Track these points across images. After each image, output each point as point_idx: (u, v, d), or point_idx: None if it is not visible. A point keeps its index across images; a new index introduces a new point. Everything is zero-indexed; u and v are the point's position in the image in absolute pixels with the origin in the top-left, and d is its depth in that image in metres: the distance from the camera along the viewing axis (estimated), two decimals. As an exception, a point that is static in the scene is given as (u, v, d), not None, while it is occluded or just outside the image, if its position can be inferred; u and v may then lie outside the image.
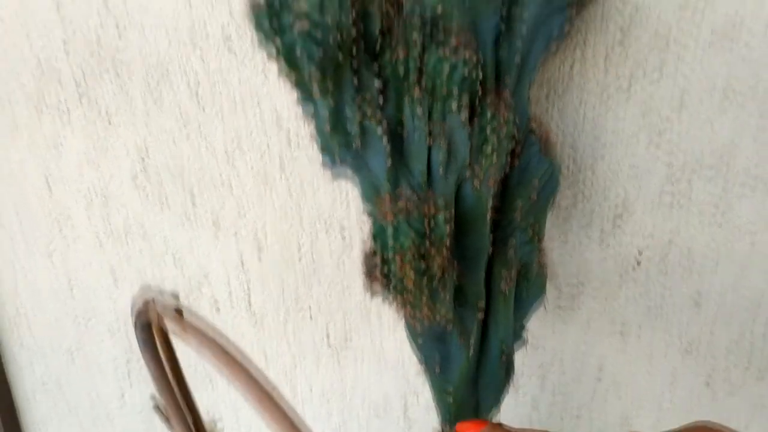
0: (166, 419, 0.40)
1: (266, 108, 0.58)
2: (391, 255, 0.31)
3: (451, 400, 0.39)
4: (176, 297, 0.33)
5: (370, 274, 0.33)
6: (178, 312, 0.32)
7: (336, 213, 0.59)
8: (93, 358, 0.76)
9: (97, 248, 0.69)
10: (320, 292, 0.63)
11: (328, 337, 0.64)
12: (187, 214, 0.64)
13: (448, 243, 0.33)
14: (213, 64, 0.58)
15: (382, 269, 0.32)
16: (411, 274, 0.31)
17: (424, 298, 0.33)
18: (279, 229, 0.61)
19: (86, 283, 0.71)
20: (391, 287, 0.32)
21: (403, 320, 0.38)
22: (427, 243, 0.32)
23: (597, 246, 0.53)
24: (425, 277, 0.31)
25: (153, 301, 0.33)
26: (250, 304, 0.66)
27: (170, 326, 0.28)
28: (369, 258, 0.33)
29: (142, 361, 0.71)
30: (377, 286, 0.33)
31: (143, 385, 0.75)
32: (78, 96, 0.63)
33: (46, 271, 0.73)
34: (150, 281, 0.68)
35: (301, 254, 0.62)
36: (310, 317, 0.64)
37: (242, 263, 0.64)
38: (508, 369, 0.40)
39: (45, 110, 0.65)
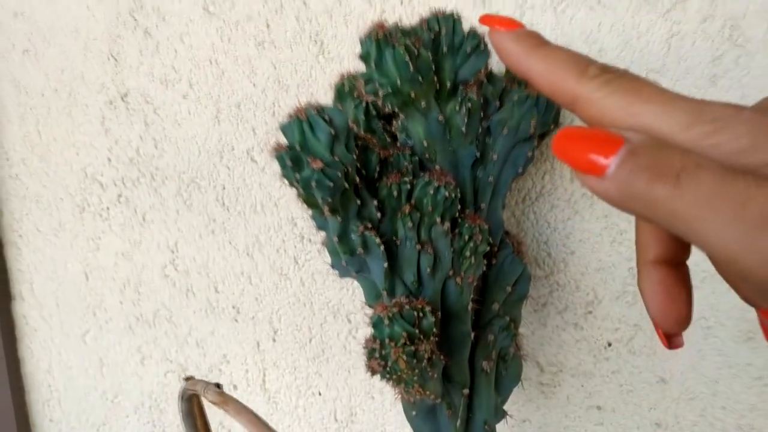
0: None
1: (282, 209, 0.66)
2: (387, 341, 0.39)
3: None
4: (218, 385, 0.40)
5: (370, 357, 0.40)
6: (219, 387, 0.40)
7: (343, 300, 0.66)
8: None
9: (127, 330, 0.76)
10: (328, 371, 0.69)
11: (335, 413, 0.71)
12: (209, 301, 0.72)
13: (435, 331, 0.41)
14: (237, 171, 0.67)
15: (380, 353, 0.39)
16: (403, 357, 0.38)
17: (416, 378, 0.40)
18: (292, 314, 0.69)
19: (115, 362, 0.79)
20: (387, 369, 0.40)
21: (399, 397, 0.45)
22: (417, 331, 0.39)
23: (572, 329, 0.60)
24: (415, 360, 0.39)
25: (197, 381, 0.40)
26: (264, 383, 0.73)
27: (212, 398, 0.35)
28: (369, 343, 0.40)
29: (165, 436, 0.77)
30: (376, 368, 0.40)
31: (164, 459, 0.81)
32: (116, 197, 0.72)
33: (79, 351, 0.80)
34: (174, 361, 0.75)
35: (311, 335, 0.69)
36: (319, 394, 0.71)
37: (258, 345, 0.71)
38: (491, 440, 0.47)
39: (87, 209, 0.74)
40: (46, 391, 0.84)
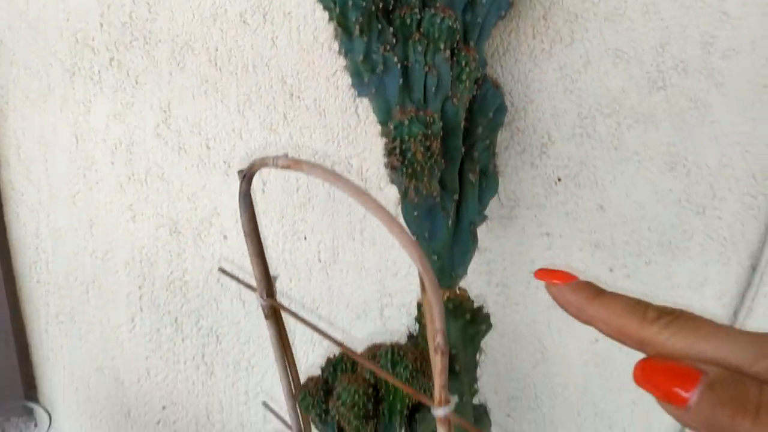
0: (235, 277, 0.55)
1: (273, 69, 0.73)
2: (406, 138, 0.48)
3: (436, 259, 0.56)
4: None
5: (389, 155, 0.50)
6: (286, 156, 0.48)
7: (329, 150, 0.75)
8: (107, 289, 0.89)
9: (118, 189, 0.82)
10: (314, 217, 0.78)
11: (319, 254, 0.80)
12: (201, 157, 0.79)
13: (440, 137, 0.51)
14: (230, 34, 0.73)
15: (399, 149, 0.48)
16: (420, 149, 0.48)
17: (426, 171, 0.50)
18: (281, 166, 0.77)
19: (105, 221, 0.85)
20: (405, 162, 0.49)
21: (405, 199, 0.55)
22: (429, 132, 0.49)
23: (529, 168, 0.71)
24: (429, 153, 0.48)
25: (263, 158, 0.48)
26: (253, 232, 0.81)
27: (283, 163, 0.43)
28: (389, 144, 0.49)
29: (153, 289, 0.85)
30: (395, 163, 0.50)
31: (153, 311, 0.89)
32: (108, 60, 0.77)
33: (68, 212, 0.85)
34: (165, 216, 0.82)
35: (298, 185, 0.77)
36: (305, 238, 0.80)
37: (248, 197, 0.79)
38: (474, 239, 0.58)
39: (77, 74, 0.78)
40: (33, 254, 0.89)
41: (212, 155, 0.78)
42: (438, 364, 0.44)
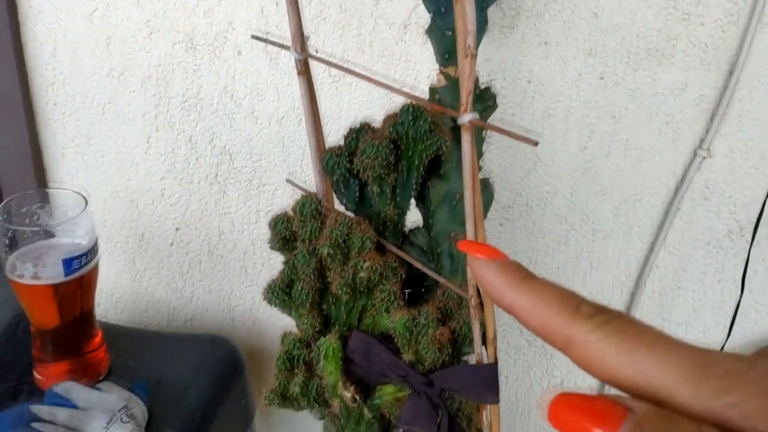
0: (268, 40, 0.60)
1: None
2: None
3: (450, 34, 0.62)
4: None
5: None
6: None
7: (342, -40, 0.79)
8: (123, 109, 0.93)
9: (136, 5, 0.86)
10: (325, 30, 0.83)
11: (329, 70, 0.85)
12: (217, -29, 0.82)
13: None
14: None
15: None
16: None
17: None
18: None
19: (122, 39, 0.88)
20: None
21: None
22: None
23: (531, -23, 0.77)
24: None
25: None
26: (266, 46, 0.85)
27: None
28: None
29: (169, 108, 0.89)
30: None
31: (168, 131, 0.93)
32: None
33: (86, 30, 0.88)
34: (182, 32, 0.86)
35: (312, -3, 0.82)
36: (316, 51, 0.84)
37: (261, 10, 0.83)
38: (485, 20, 0.63)
39: None
40: (50, 75, 0.93)
41: (228, -32, 0.82)
42: (467, 68, 0.51)
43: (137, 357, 0.84)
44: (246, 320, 1.06)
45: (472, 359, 0.61)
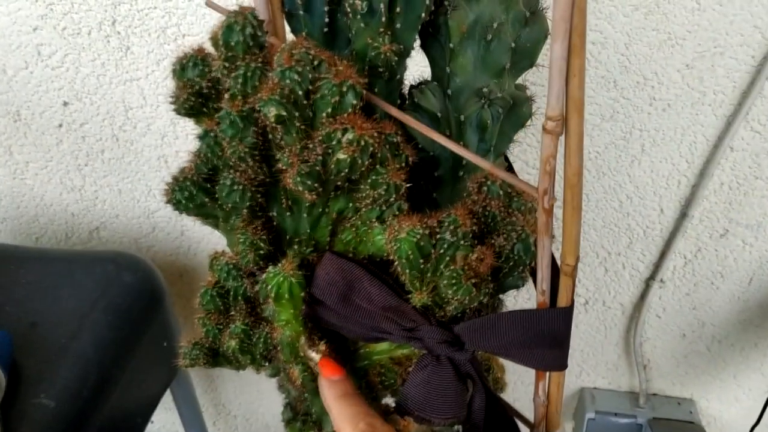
0: None
1: None
2: None
3: None
4: None
5: None
6: None
7: None
8: None
9: None
10: None
11: None
12: None
13: None
14: None
15: None
16: None
17: None
18: None
19: None
20: None
21: None
22: None
23: None
24: None
25: None
26: None
27: None
28: None
29: None
30: None
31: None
32: None
33: None
34: None
35: None
36: None
37: None
38: None
39: None
40: None
41: None
42: None
43: (2, 288, 0.58)
44: (172, 229, 0.80)
45: (518, 302, 0.36)
